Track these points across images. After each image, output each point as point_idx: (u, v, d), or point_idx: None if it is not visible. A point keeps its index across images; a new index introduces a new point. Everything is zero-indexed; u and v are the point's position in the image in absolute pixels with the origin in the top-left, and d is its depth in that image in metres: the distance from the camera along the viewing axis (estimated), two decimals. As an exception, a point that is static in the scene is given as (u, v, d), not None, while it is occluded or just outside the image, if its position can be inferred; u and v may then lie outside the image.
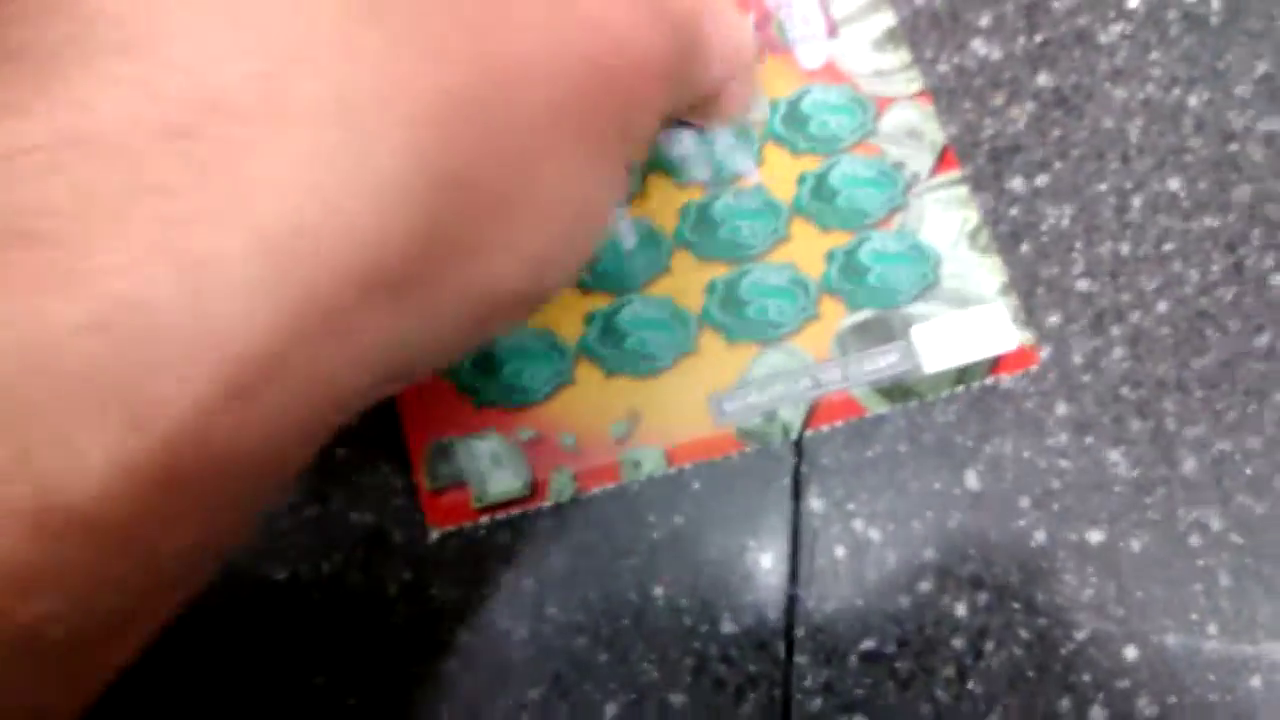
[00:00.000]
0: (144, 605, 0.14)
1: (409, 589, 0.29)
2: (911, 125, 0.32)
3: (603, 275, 0.31)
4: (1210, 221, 0.33)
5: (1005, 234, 0.33)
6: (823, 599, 0.30)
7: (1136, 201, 0.33)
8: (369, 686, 0.29)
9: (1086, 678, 0.29)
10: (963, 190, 0.32)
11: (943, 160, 0.32)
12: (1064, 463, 0.31)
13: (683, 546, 0.30)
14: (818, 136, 0.32)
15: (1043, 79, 0.34)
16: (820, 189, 0.32)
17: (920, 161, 0.32)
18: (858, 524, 0.30)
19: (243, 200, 0.13)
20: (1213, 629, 0.30)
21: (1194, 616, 0.30)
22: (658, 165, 0.32)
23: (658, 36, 0.19)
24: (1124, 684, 0.29)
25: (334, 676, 0.29)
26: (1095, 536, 0.30)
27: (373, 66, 0.14)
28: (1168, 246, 0.33)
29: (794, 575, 0.30)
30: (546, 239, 0.17)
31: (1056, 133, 0.33)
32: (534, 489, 0.29)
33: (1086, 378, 0.32)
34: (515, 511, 0.29)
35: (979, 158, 0.33)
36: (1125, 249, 0.33)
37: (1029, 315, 0.32)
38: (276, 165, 0.13)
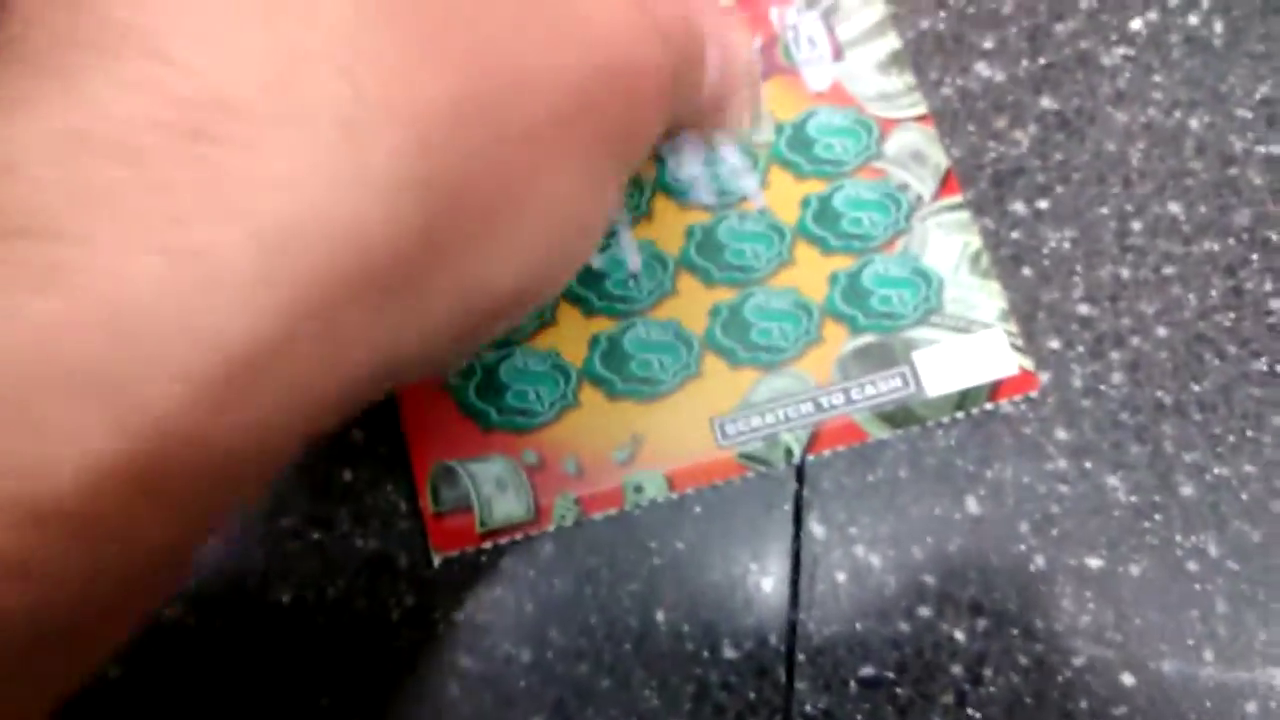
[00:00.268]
0: (119, 601, 0.14)
1: (412, 613, 0.29)
2: (916, 148, 0.33)
3: (608, 298, 0.31)
4: (1210, 246, 0.33)
5: (1007, 257, 0.33)
6: (823, 624, 0.30)
7: (1137, 225, 0.33)
8: (373, 710, 0.29)
9: (1084, 704, 0.30)
10: (964, 215, 0.32)
11: (945, 184, 0.32)
12: (1063, 488, 0.31)
13: (684, 571, 0.30)
14: (822, 160, 0.32)
15: (1045, 102, 0.34)
16: (824, 212, 0.32)
17: (924, 185, 0.32)
18: (859, 549, 0.31)
19: (241, 200, 0.13)
20: (1209, 655, 0.30)
21: (1191, 643, 0.30)
22: (663, 188, 0.32)
23: (659, 54, 0.19)
24: (1121, 710, 0.30)
25: (339, 699, 0.29)
26: (1094, 562, 0.31)
27: (380, 70, 0.14)
28: (1167, 270, 0.33)
29: (795, 600, 0.30)
30: (540, 246, 0.18)
31: (1058, 156, 0.34)
32: (537, 514, 0.29)
33: (1086, 402, 0.32)
34: (518, 536, 0.29)
35: (981, 181, 0.33)
36: (1125, 273, 0.33)
37: (1029, 340, 0.32)
38: (277, 166, 0.13)
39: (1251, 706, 0.30)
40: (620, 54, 0.18)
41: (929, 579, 0.30)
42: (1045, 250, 0.33)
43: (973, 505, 0.31)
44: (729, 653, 0.30)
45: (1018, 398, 0.31)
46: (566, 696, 0.29)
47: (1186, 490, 0.31)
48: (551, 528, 0.29)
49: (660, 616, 0.30)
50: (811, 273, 0.31)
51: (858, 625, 0.30)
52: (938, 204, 0.32)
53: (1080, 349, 0.32)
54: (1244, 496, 0.31)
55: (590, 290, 0.31)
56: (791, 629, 0.30)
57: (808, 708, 0.29)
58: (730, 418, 0.30)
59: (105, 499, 0.12)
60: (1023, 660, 0.30)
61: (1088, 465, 0.31)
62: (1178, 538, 0.31)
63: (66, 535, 0.12)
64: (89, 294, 0.12)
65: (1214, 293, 0.33)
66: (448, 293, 0.16)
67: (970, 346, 0.31)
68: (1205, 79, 0.35)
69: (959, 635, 0.30)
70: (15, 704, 0.13)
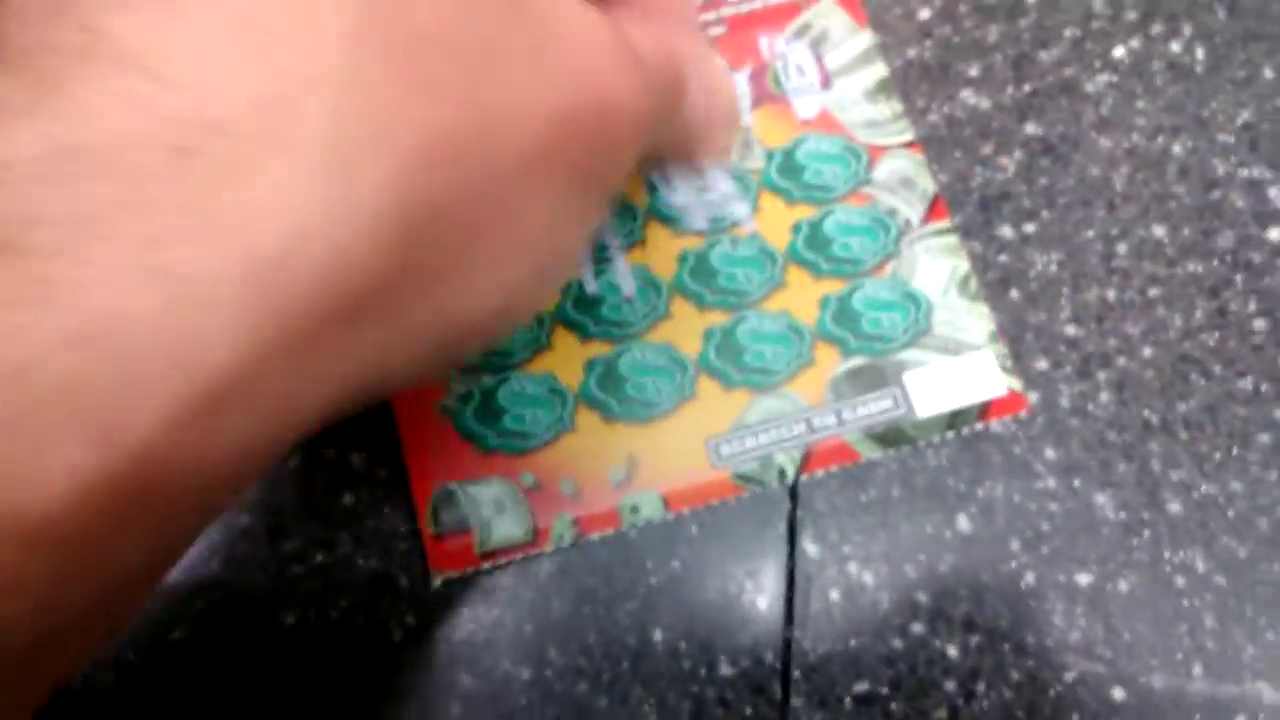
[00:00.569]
0: (95, 612, 0.14)
1: (413, 633, 0.30)
2: (904, 174, 0.33)
3: (603, 322, 0.31)
4: (1194, 267, 0.34)
5: (994, 280, 0.33)
6: (818, 641, 0.30)
7: (1122, 248, 0.34)
8: (374, 729, 0.29)
9: (1075, 718, 0.30)
10: (953, 239, 0.33)
11: (933, 209, 0.33)
12: (1053, 505, 0.32)
13: (681, 590, 0.31)
14: (812, 185, 0.33)
15: (1030, 128, 0.35)
16: (815, 237, 0.33)
17: (912, 210, 0.33)
18: (852, 567, 0.31)
19: (229, 222, 0.13)
20: (1198, 669, 0.31)
21: (1180, 657, 0.31)
22: (656, 215, 0.32)
23: (639, 89, 0.19)
24: (1112, 724, 0.30)
25: (341, 718, 0.29)
26: (1083, 578, 0.31)
27: (372, 99, 0.14)
28: (1153, 292, 0.34)
29: (789, 618, 0.31)
30: (518, 271, 0.18)
31: (1044, 181, 0.34)
32: (535, 535, 0.30)
33: (1074, 422, 0.32)
34: (517, 557, 0.30)
35: (969, 206, 0.34)
36: (1111, 295, 0.33)
37: (1018, 361, 0.33)
38: (266, 190, 0.13)
39: (1240, 720, 0.30)
40: (601, 85, 0.18)
41: (921, 596, 0.31)
42: (1032, 273, 0.34)
43: (964, 523, 0.31)
44: (725, 670, 0.30)
45: (1007, 418, 0.32)
46: (565, 715, 0.30)
47: (1174, 507, 0.32)
48: (550, 548, 0.30)
49: (657, 635, 0.30)
50: (803, 296, 0.32)
51: (852, 642, 0.31)
52: (926, 229, 0.33)
53: (1068, 369, 0.33)
54: (1230, 513, 0.32)
55: (586, 315, 0.31)
56: (787, 646, 0.30)
57: (803, 724, 0.30)
58: (725, 439, 0.31)
59: (90, 516, 0.12)
60: (1015, 675, 0.30)
61: (1076, 483, 0.32)
62: (1166, 554, 0.31)
63: (52, 551, 0.12)
64: (75, 312, 0.12)
65: (1199, 313, 0.34)
66: (428, 316, 0.16)
67: (960, 368, 0.32)
68: (1188, 105, 0.35)
69: (952, 651, 0.31)
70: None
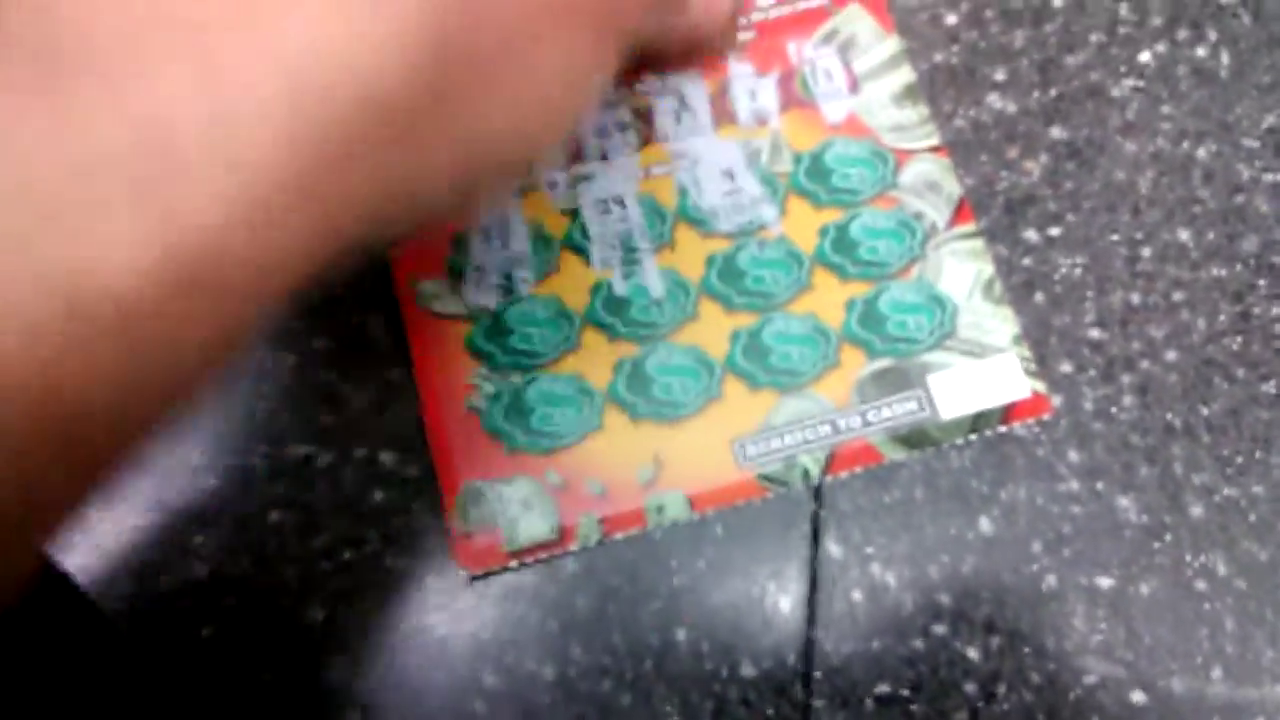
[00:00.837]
0: (156, 397, 0.15)
1: (439, 631, 0.30)
2: (930, 178, 0.33)
3: (631, 323, 0.32)
4: (1218, 271, 0.34)
5: (1019, 284, 0.34)
6: (840, 642, 0.31)
7: (1146, 252, 0.34)
8: (401, 724, 0.30)
9: (1096, 721, 0.30)
10: (978, 242, 0.33)
11: (959, 213, 0.33)
12: (1075, 508, 0.32)
13: (704, 590, 0.31)
14: (839, 189, 0.33)
15: (1056, 132, 0.35)
16: (841, 240, 0.33)
17: (938, 213, 0.33)
18: (875, 568, 0.31)
19: (270, 40, 0.14)
20: (1218, 673, 0.31)
21: (1200, 661, 0.31)
22: (685, 218, 0.33)
23: None
24: (1132, 727, 0.30)
25: (368, 714, 0.30)
26: (1105, 581, 0.31)
27: None
28: (1177, 296, 0.34)
29: (812, 619, 0.31)
30: (532, 106, 0.19)
31: (1069, 185, 0.34)
32: (561, 534, 0.30)
33: (1097, 425, 0.33)
34: (543, 555, 0.30)
35: (994, 209, 0.34)
36: (1135, 298, 0.34)
37: (1041, 364, 0.33)
38: (305, 11, 0.14)
39: (1260, 724, 0.30)
40: None
41: (943, 598, 0.31)
42: (1057, 276, 0.34)
43: (986, 525, 0.32)
44: (748, 670, 0.30)
45: (1030, 420, 0.32)
46: (589, 713, 0.30)
47: (1196, 511, 0.32)
48: (575, 547, 0.30)
49: (681, 635, 0.31)
50: (829, 299, 0.32)
51: (874, 643, 0.31)
52: (952, 232, 0.33)
53: (1091, 373, 0.33)
54: (1252, 517, 0.32)
55: (615, 316, 0.32)
56: (809, 647, 0.31)
57: (826, 724, 0.30)
58: (750, 439, 0.31)
59: (146, 298, 0.13)
60: (1035, 678, 0.31)
61: (1099, 486, 0.32)
62: (1187, 557, 0.32)
63: (111, 329, 0.13)
64: (132, 115, 0.13)
65: (1222, 317, 0.34)
66: (447, 137, 0.17)
67: (984, 370, 0.32)
68: (1212, 109, 0.35)
69: (973, 653, 0.31)
70: (50, 502, 0.14)
